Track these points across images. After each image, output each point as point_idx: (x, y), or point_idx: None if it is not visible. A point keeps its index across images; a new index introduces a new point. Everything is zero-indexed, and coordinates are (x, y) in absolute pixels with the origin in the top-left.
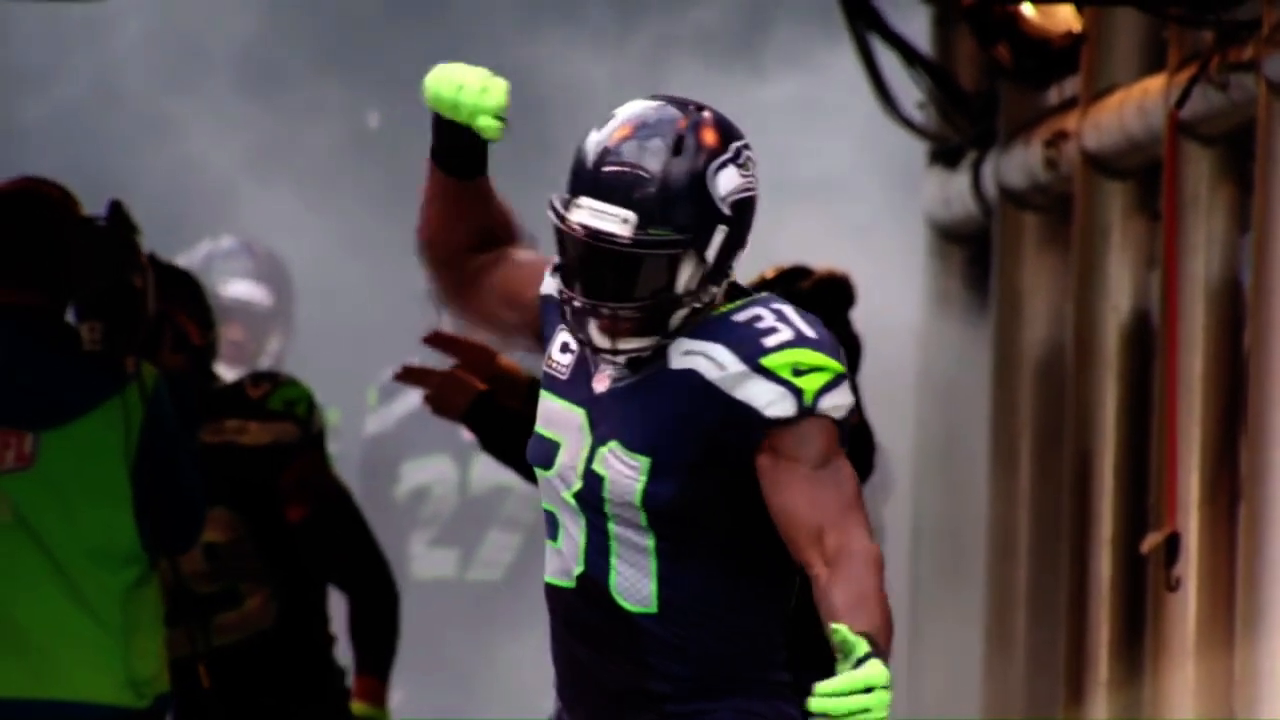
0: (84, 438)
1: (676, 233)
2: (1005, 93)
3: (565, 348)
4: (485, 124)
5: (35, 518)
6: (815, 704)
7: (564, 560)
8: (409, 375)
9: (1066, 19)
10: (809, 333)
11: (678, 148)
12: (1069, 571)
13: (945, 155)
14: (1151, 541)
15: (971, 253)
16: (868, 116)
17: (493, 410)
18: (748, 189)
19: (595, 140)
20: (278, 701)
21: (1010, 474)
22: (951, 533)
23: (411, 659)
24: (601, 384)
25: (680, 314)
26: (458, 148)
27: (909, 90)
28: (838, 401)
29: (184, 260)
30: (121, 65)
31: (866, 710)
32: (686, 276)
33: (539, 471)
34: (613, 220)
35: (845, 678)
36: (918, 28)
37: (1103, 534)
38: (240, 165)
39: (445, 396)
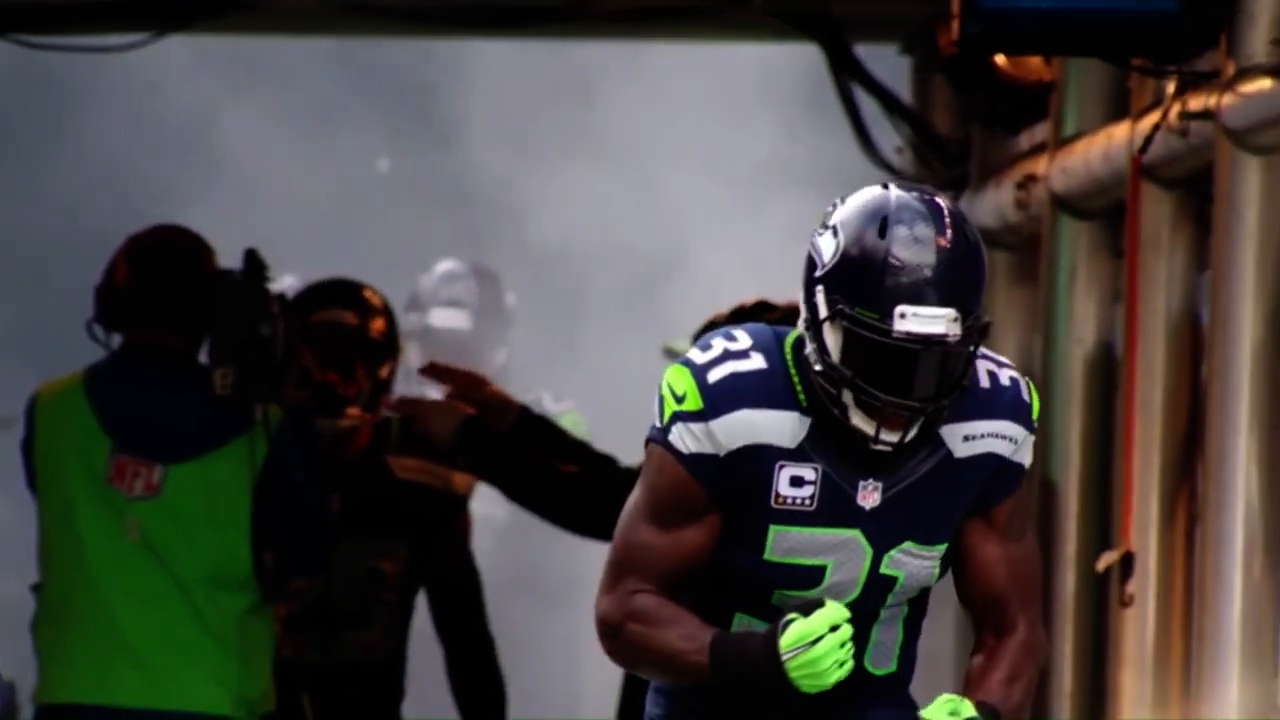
0: (208, 473)
1: (983, 313)
2: (978, 138)
3: (798, 481)
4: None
5: (160, 541)
6: None
7: None
8: (401, 405)
9: (1036, 69)
10: (1013, 364)
11: (965, 236)
12: None
13: None
14: (1106, 560)
15: None
16: (849, 161)
17: (481, 433)
18: None
19: (895, 251)
20: None
21: None
22: None
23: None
24: (869, 499)
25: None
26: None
27: (889, 135)
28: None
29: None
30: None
31: None
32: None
33: (789, 593)
34: (938, 321)
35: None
36: (898, 77)
37: (1067, 553)
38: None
39: (436, 422)
